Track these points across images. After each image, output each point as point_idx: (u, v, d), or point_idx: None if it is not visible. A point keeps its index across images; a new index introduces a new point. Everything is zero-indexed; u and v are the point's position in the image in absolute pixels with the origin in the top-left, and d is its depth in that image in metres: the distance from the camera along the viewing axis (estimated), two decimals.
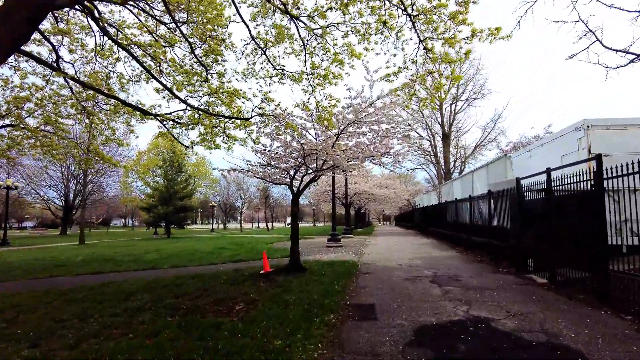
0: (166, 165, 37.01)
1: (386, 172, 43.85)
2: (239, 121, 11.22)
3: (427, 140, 39.86)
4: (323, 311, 5.75)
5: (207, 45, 9.90)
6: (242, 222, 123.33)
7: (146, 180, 51.80)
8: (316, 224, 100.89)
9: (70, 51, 9.81)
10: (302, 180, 10.92)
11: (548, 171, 7.92)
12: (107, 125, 12.11)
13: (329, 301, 6.27)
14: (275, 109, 8.91)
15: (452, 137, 38.32)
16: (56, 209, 60.53)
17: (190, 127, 11.66)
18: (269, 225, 58.58)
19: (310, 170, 10.54)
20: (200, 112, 10.06)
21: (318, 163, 10.34)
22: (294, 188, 10.70)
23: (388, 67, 7.64)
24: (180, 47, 10.11)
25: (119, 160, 59.20)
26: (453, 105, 38.02)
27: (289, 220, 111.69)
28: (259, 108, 8.83)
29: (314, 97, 9.60)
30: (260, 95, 8.99)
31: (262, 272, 9.85)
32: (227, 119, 9.55)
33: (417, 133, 39.38)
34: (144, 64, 9.69)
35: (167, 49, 9.78)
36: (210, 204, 67.10)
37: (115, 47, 9.73)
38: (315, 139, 9.98)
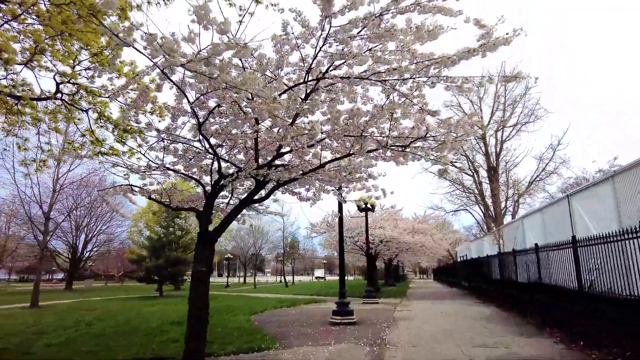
0: (161, 210, 31.85)
1: (420, 215, 37.01)
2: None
3: (469, 175, 33.07)
4: None
5: None
6: (269, 275, 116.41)
7: (153, 229, 47.08)
8: (347, 277, 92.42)
9: None
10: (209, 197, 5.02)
11: None
12: None
13: None
14: None
15: (501, 171, 31.41)
16: (63, 261, 56.54)
17: None
18: (288, 279, 51.84)
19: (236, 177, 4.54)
20: None
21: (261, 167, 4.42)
22: (212, 211, 4.71)
23: None
24: None
25: (129, 209, 55.56)
26: (499, 133, 31.44)
27: (317, 273, 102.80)
28: None
29: None
30: None
31: None
32: None
33: (455, 166, 32.69)
34: None
35: None
36: (226, 255, 61.40)
37: None
38: (252, 99, 3.99)
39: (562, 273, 9.25)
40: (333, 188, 6.84)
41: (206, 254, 4.43)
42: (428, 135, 4.51)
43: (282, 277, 54.24)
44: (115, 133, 6.95)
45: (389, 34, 3.60)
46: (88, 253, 56.92)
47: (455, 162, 28.97)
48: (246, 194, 4.89)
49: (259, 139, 4.16)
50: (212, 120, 4.13)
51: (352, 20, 3.46)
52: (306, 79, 4.10)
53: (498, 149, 31.32)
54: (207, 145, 4.27)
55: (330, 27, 3.61)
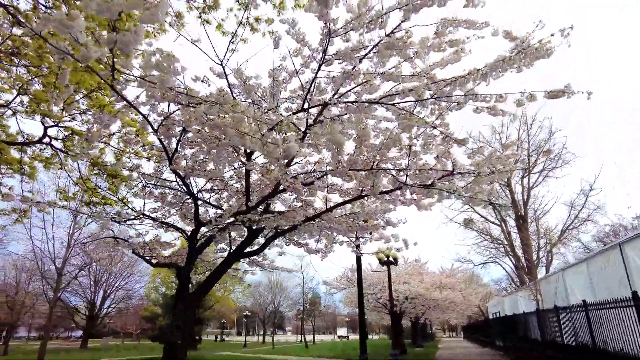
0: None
1: (446, 268, 34.91)
2: None
3: (496, 224, 31.36)
4: None
5: None
6: (289, 333, 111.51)
7: (170, 284, 46.03)
8: (372, 336, 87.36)
9: None
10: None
11: None
12: None
13: None
14: None
15: (530, 220, 29.64)
16: (81, 318, 55.47)
17: None
18: (309, 338, 49.04)
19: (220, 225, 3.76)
20: None
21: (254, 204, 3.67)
22: (192, 267, 3.89)
23: None
24: None
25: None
26: (525, 179, 30.09)
27: (339, 332, 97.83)
28: None
29: None
30: None
31: None
32: None
33: (482, 216, 31.19)
34: None
35: None
36: (244, 312, 59.21)
37: None
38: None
39: (624, 336, 7.83)
40: (347, 239, 5.98)
41: (185, 319, 3.54)
42: (455, 170, 3.70)
43: (303, 337, 51.37)
44: (107, 182, 6.38)
45: (402, 42, 2.93)
46: (106, 309, 55.80)
47: (493, 200, 27.38)
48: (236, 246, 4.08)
49: (250, 178, 3.45)
50: (189, 154, 3.49)
51: (355, 25, 2.83)
52: (304, 106, 3.43)
53: (525, 197, 29.85)
54: (185, 187, 3.56)
55: (330, 37, 2.97)
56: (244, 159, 3.45)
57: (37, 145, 5.63)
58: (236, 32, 3.49)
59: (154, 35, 4.75)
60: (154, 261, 4.57)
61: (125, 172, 5.79)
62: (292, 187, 3.25)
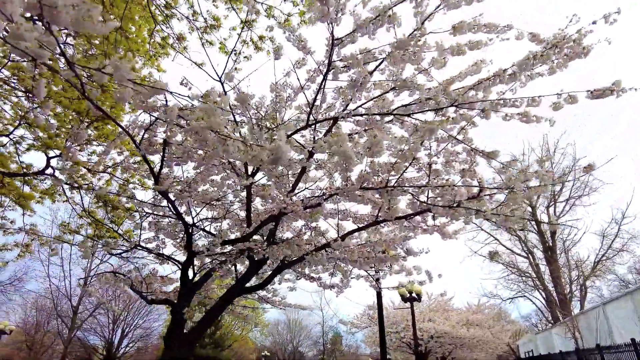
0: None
1: (473, 303, 33.15)
2: None
3: (523, 256, 29.86)
4: None
5: None
6: None
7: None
8: None
9: None
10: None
11: None
12: None
13: None
14: None
15: (559, 251, 28.11)
16: (99, 358, 54.55)
17: None
18: None
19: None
20: None
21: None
22: (187, 304, 3.46)
23: None
24: None
25: None
26: (551, 209, 28.82)
27: None
28: None
29: None
30: None
31: None
32: None
33: (507, 248, 29.85)
34: None
35: None
36: (263, 353, 57.20)
37: None
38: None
39: None
40: (365, 272, 5.49)
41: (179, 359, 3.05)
42: (483, 189, 3.24)
43: None
44: (110, 214, 6.12)
45: (415, 42, 2.58)
46: (124, 349, 54.74)
47: (522, 228, 26.08)
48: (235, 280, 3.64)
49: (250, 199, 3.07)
50: (185, 175, 3.15)
51: (361, 23, 2.51)
52: (309, 121, 3.08)
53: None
54: (174, 210, 3.21)
55: (334, 40, 2.66)
56: (243, 177, 3.11)
57: (40, 176, 5.43)
58: (234, 48, 3.22)
59: (155, 59, 4.59)
60: (149, 297, 4.19)
61: (124, 201, 5.51)
62: (290, 208, 2.85)
